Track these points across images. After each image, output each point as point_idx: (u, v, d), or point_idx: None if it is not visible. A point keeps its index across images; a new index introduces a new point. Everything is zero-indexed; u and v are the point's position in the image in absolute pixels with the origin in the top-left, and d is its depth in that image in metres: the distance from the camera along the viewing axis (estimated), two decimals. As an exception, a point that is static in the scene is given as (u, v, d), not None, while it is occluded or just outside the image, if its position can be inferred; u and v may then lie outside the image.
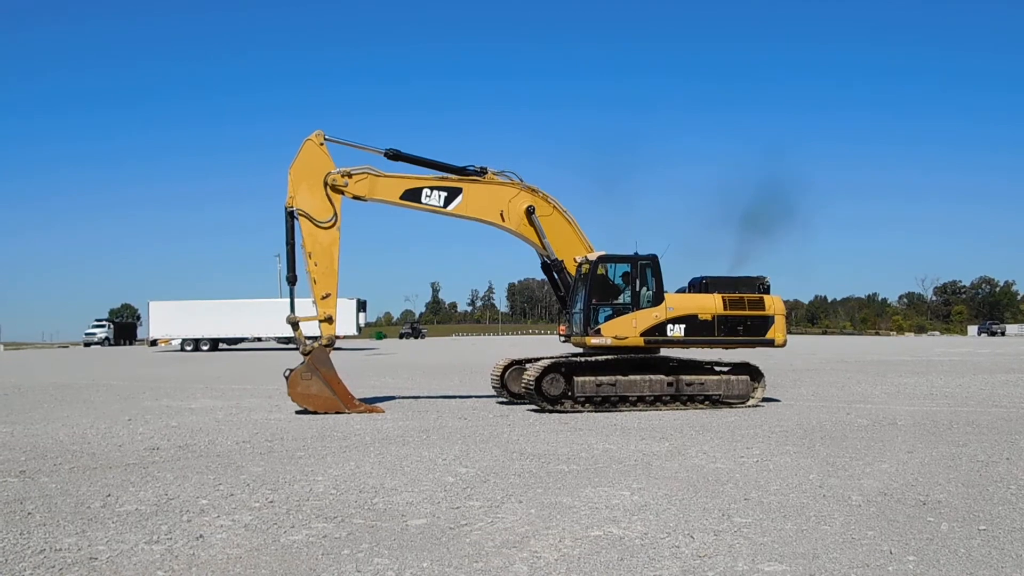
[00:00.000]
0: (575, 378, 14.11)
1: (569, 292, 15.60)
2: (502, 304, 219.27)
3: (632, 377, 14.25)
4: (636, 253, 14.90)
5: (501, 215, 15.54)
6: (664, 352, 15.19)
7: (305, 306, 14.77)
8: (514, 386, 15.79)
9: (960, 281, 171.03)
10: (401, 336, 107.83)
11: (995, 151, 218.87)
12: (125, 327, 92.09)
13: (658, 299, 14.60)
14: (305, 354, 14.40)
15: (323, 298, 14.58)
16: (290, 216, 14.61)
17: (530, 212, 15.49)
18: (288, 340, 49.00)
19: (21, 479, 8.38)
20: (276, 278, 75.21)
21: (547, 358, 14.70)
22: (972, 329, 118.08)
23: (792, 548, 5.63)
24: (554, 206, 15.74)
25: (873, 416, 13.17)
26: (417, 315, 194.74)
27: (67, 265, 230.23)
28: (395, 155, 15.40)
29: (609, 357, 14.41)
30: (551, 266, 15.79)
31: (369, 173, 15.05)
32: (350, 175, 14.87)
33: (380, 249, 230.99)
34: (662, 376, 14.41)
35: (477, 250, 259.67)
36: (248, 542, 5.88)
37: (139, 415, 14.38)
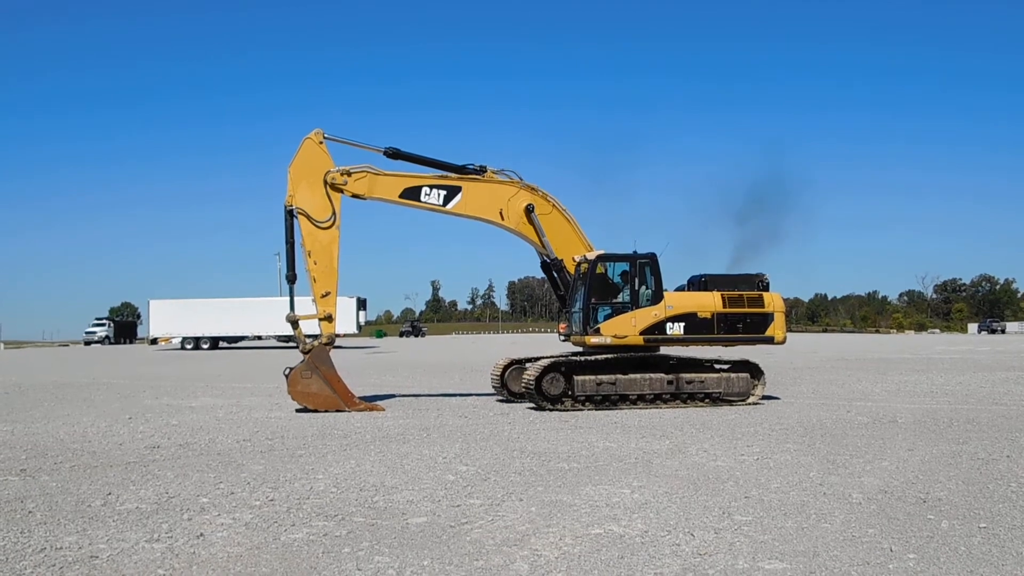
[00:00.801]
0: (575, 377, 14.11)
1: (569, 291, 15.60)
2: (502, 302, 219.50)
3: (632, 376, 14.26)
4: (635, 252, 14.90)
5: (500, 214, 15.54)
6: (664, 350, 15.19)
7: (305, 305, 14.77)
8: (514, 386, 15.79)
9: (960, 279, 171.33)
10: (401, 334, 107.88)
11: (995, 150, 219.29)
12: (125, 326, 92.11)
13: (657, 297, 14.60)
14: (305, 352, 14.41)
15: (323, 296, 14.58)
16: (289, 215, 14.60)
17: (529, 211, 15.49)
18: (288, 338, 48.98)
19: (22, 477, 8.39)
20: (276, 277, 75.26)
21: (547, 357, 14.71)
22: (972, 327, 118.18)
23: (792, 546, 5.63)
24: (553, 205, 15.73)
25: (873, 414, 13.18)
26: (417, 313, 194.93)
27: (67, 264, 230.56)
28: (394, 154, 15.40)
29: (609, 356, 14.41)
30: (551, 265, 15.79)
31: (368, 171, 15.04)
32: (349, 173, 14.87)
33: (380, 248, 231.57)
34: (662, 374, 14.41)
35: (477, 249, 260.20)
36: (249, 540, 5.88)
37: (139, 413, 14.38)
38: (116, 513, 6.74)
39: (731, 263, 16.70)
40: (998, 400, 15.38)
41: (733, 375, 14.78)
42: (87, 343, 79.28)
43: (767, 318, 14.93)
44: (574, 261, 15.46)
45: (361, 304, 55.69)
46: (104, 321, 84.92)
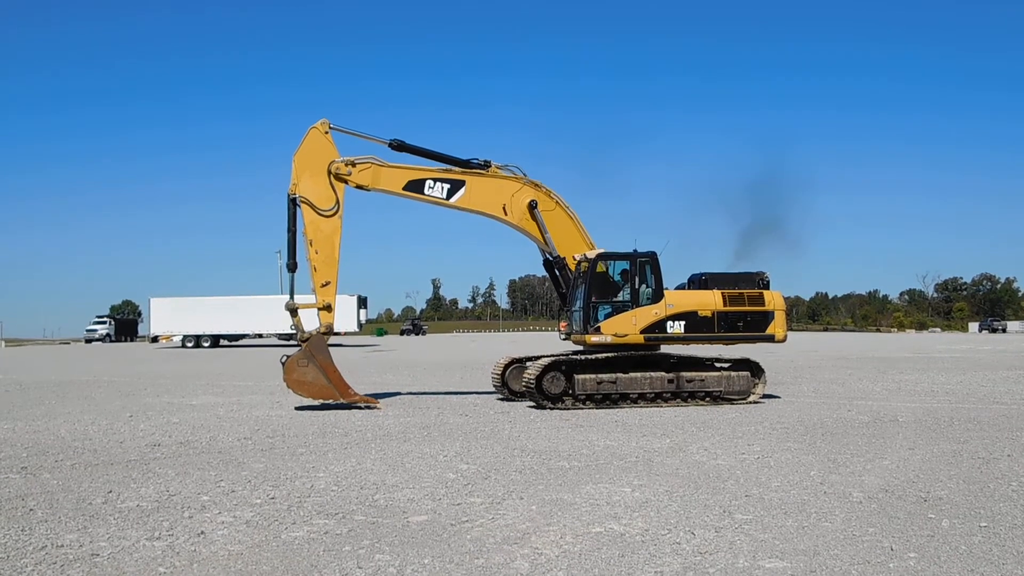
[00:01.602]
0: (576, 376, 14.11)
1: (569, 289, 15.60)
2: (503, 301, 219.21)
3: (633, 374, 14.26)
4: (635, 250, 14.90)
5: (504, 209, 15.54)
6: (664, 349, 15.19)
7: (305, 298, 14.76)
8: (515, 384, 15.78)
9: (961, 278, 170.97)
10: (402, 333, 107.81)
11: (995, 150, 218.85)
12: (126, 323, 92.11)
13: (658, 296, 14.60)
14: (302, 341, 14.38)
15: (323, 286, 14.58)
16: (292, 203, 14.58)
17: (533, 207, 15.48)
18: (289, 336, 49.01)
19: (23, 475, 8.40)
20: (277, 275, 75.24)
21: (547, 356, 14.71)
22: (973, 326, 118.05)
23: (793, 545, 5.63)
24: (557, 202, 15.73)
25: (874, 413, 13.18)
26: (418, 312, 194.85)
27: (68, 262, 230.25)
28: (399, 146, 15.40)
29: (609, 355, 14.41)
30: (553, 263, 15.79)
31: (373, 163, 15.04)
32: (354, 164, 14.86)
33: (381, 245, 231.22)
34: (662, 373, 14.41)
35: (478, 247, 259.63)
36: (249, 538, 5.89)
37: (140, 411, 14.39)
38: (117, 511, 6.75)
39: (731, 261, 16.72)
40: (999, 399, 15.38)
41: (734, 374, 14.77)
42: (88, 341, 79.30)
43: (767, 316, 14.92)
44: (575, 260, 15.46)
45: (362, 302, 55.67)
46: (105, 319, 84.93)
